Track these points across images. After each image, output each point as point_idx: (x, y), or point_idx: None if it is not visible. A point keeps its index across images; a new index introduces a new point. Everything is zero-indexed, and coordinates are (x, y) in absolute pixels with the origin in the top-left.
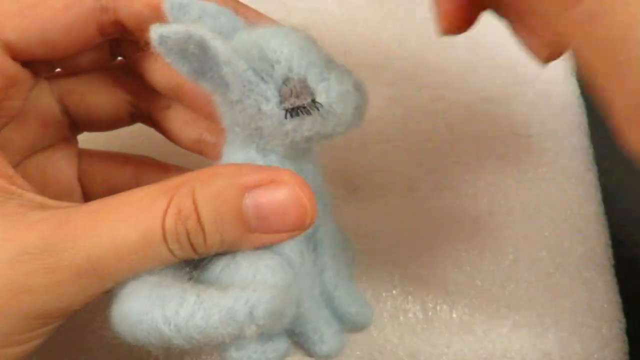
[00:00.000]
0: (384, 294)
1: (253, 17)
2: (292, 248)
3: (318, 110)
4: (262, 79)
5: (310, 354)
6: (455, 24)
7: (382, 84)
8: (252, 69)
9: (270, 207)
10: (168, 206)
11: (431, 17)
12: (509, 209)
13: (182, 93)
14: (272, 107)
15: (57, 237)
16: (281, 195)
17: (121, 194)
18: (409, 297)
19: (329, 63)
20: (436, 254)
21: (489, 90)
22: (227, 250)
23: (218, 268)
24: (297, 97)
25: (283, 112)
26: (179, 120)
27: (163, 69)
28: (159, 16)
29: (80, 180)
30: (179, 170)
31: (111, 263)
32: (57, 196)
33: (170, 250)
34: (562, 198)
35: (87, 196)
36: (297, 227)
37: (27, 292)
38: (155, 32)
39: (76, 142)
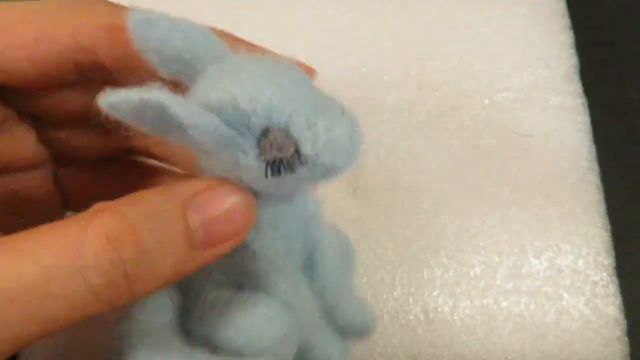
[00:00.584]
0: (384, 295)
1: (245, 49)
2: (287, 289)
3: (301, 164)
4: (239, 131)
5: None
6: None
7: (384, 84)
8: (225, 121)
9: (217, 214)
10: (85, 231)
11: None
12: (509, 209)
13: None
14: (250, 161)
15: None
16: (226, 198)
17: (30, 229)
18: (410, 299)
19: (318, 103)
20: (437, 255)
21: (489, 92)
22: (172, 282)
23: (212, 315)
24: (279, 150)
25: (263, 165)
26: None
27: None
28: (140, 58)
29: (60, 189)
30: (165, 173)
31: (4, 309)
32: (30, 214)
33: (91, 286)
34: (563, 198)
35: (74, 209)
36: (244, 231)
37: None
38: (104, 102)
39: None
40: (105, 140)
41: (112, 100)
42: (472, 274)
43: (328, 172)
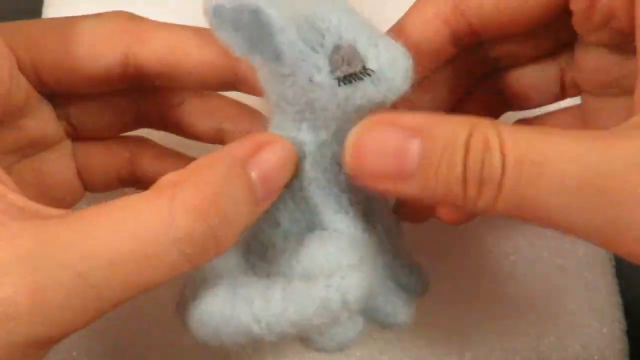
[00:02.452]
0: None
1: None
2: (353, 225)
3: (369, 76)
4: (313, 48)
5: (385, 326)
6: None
7: None
8: (302, 39)
9: (272, 169)
10: (173, 205)
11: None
12: None
13: (225, 133)
14: (323, 77)
15: (38, 253)
16: (276, 153)
17: (110, 202)
18: None
19: (373, 28)
20: (436, 254)
21: None
22: (251, 238)
23: (285, 256)
24: (349, 64)
25: (335, 81)
26: (196, 112)
27: (201, 115)
28: (177, 54)
29: (79, 174)
30: (175, 156)
31: (107, 277)
32: (57, 196)
33: (185, 254)
34: None
35: (90, 188)
36: (287, 178)
37: (11, 320)
38: (209, 3)
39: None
40: (120, 107)
41: (217, 1)
42: (471, 272)
43: (390, 87)
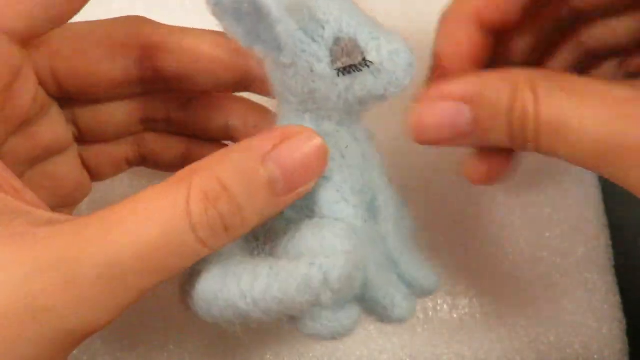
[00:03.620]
0: None
1: None
2: (354, 214)
3: (369, 67)
4: (313, 39)
5: (382, 319)
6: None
7: None
8: (302, 29)
9: (294, 163)
10: (189, 193)
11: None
12: (509, 209)
13: (233, 129)
14: (324, 68)
15: (70, 249)
16: (300, 147)
17: (132, 196)
18: None
19: (375, 22)
20: (435, 254)
21: None
22: (261, 225)
23: (283, 240)
24: (349, 56)
25: (335, 72)
26: (203, 110)
27: (209, 113)
28: (193, 57)
29: (88, 169)
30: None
31: (134, 266)
32: (67, 194)
33: (200, 239)
34: (563, 198)
35: (98, 179)
36: (318, 174)
37: (46, 311)
38: None
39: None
40: (128, 111)
41: None
42: (471, 271)
43: (390, 80)
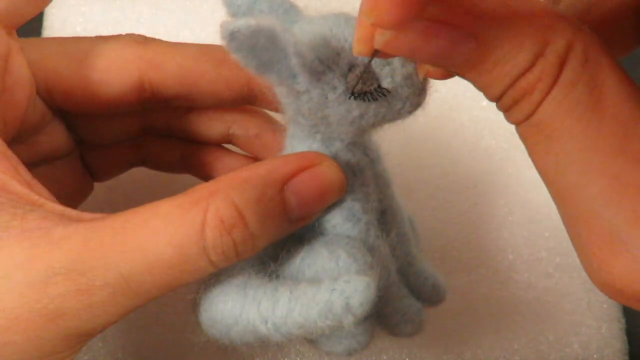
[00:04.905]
0: None
1: None
2: (365, 231)
3: (384, 95)
4: (329, 67)
5: (393, 334)
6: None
7: None
8: (318, 58)
9: (311, 192)
10: (205, 217)
11: None
12: (509, 209)
13: (235, 137)
14: (339, 95)
15: (85, 256)
16: (320, 178)
17: (145, 206)
18: None
19: None
20: (435, 254)
21: None
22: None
23: (297, 260)
24: (364, 83)
25: (350, 100)
26: (204, 118)
27: (209, 121)
28: (193, 75)
29: (90, 171)
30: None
31: (145, 279)
32: (68, 196)
33: (211, 262)
34: None
35: (100, 180)
36: (334, 201)
37: (62, 316)
38: (226, 28)
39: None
40: (128, 125)
41: (233, 27)
42: (471, 271)
43: (404, 105)
